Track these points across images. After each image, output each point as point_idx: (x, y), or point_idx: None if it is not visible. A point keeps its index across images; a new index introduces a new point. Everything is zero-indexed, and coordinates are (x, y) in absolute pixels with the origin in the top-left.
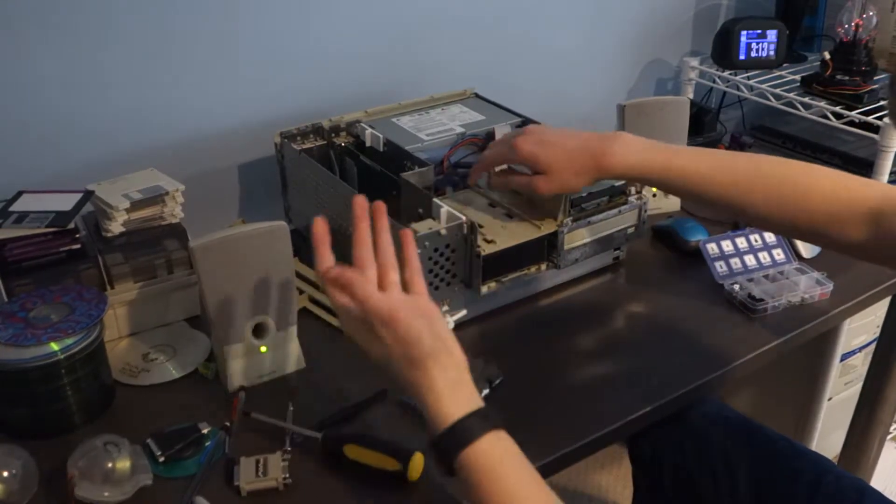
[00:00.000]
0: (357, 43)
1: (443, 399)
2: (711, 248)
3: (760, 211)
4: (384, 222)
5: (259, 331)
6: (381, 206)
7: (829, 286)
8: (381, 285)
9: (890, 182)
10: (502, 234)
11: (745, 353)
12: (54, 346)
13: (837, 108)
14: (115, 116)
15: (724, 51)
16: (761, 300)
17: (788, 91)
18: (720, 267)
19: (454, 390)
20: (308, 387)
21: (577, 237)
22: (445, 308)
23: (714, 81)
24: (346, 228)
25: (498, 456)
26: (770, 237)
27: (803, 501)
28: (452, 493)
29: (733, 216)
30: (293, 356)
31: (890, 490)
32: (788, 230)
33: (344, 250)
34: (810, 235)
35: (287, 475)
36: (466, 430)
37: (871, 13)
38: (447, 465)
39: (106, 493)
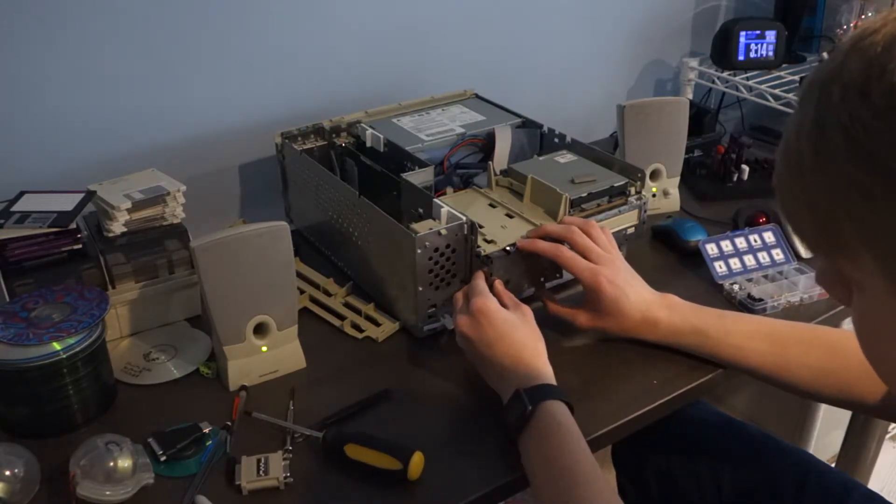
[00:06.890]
0: (358, 43)
1: (545, 367)
2: (711, 248)
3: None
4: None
5: (260, 330)
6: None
7: None
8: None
9: None
10: (502, 234)
11: None
12: (56, 346)
13: None
14: (116, 117)
15: (723, 51)
16: (760, 300)
17: (787, 91)
18: (719, 267)
19: (547, 366)
20: (308, 386)
21: None
22: (445, 308)
23: (713, 82)
24: (346, 228)
25: (568, 415)
26: (769, 237)
27: (789, 500)
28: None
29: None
30: (294, 356)
31: (888, 490)
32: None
33: (343, 250)
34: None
35: (288, 474)
36: (555, 389)
37: (869, 14)
38: (525, 412)
39: (107, 492)
